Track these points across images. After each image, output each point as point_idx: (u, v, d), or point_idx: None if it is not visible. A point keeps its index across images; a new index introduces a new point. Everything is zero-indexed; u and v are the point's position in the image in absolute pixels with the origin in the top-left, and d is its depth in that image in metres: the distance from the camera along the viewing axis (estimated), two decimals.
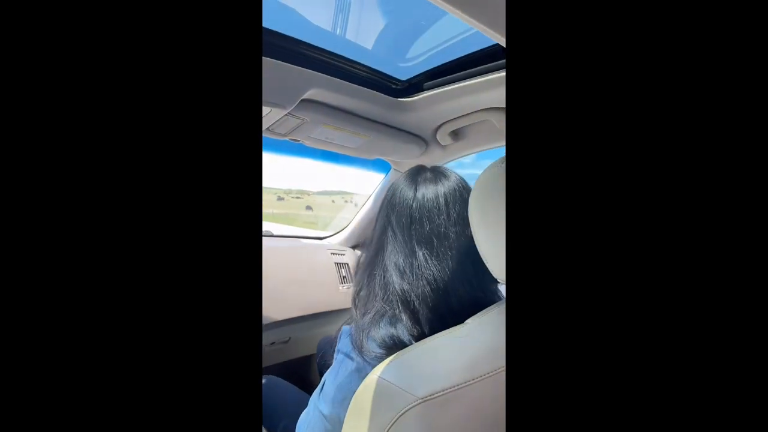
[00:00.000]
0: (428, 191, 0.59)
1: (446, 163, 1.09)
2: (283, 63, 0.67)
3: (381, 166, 1.27)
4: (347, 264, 1.37)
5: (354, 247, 1.46)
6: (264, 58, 0.64)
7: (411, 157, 1.07)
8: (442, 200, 0.58)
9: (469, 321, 0.51)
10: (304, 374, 1.42)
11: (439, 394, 0.40)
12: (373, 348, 0.54)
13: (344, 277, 1.34)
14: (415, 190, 0.59)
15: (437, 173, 0.61)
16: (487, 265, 0.51)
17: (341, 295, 1.29)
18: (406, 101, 0.85)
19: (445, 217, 0.57)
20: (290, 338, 1.18)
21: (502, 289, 0.58)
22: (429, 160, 1.07)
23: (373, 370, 0.48)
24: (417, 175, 0.61)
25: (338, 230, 1.48)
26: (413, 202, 0.58)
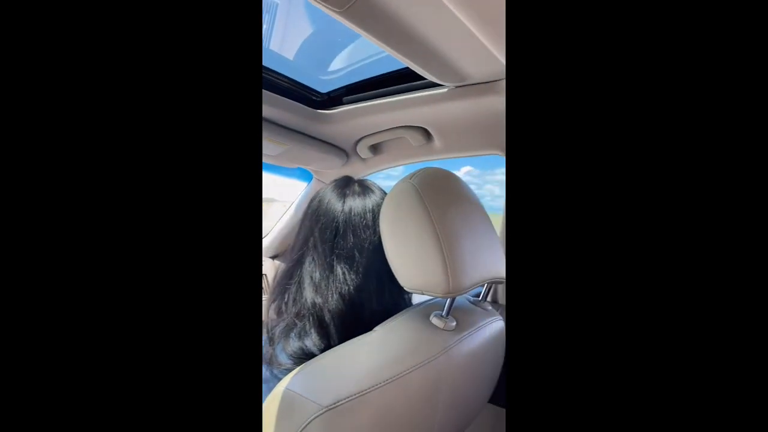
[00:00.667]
0: (356, 204, 0.59)
1: (368, 175, 1.12)
2: None
3: (303, 174, 1.26)
4: (265, 275, 1.33)
5: (274, 257, 1.42)
6: None
7: (333, 168, 1.08)
8: (369, 215, 0.59)
9: (377, 328, 0.53)
10: None
11: (344, 401, 0.41)
12: (282, 360, 0.53)
13: (262, 288, 1.29)
14: (344, 202, 0.59)
15: (365, 187, 0.62)
16: (396, 274, 0.54)
17: None
18: (325, 113, 0.86)
19: (371, 232, 0.58)
20: None
21: (418, 298, 0.62)
22: (350, 171, 1.10)
23: (279, 382, 0.47)
24: (345, 187, 0.62)
25: None
26: (340, 214, 0.58)
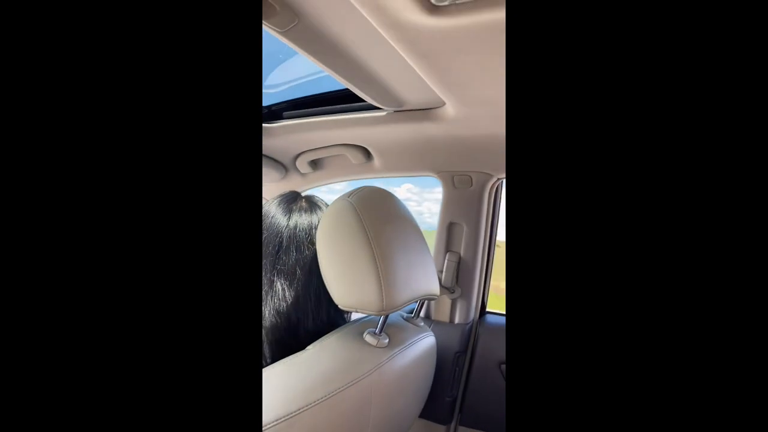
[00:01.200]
0: (302, 221, 0.59)
1: (307, 190, 1.11)
2: None
3: None
4: None
5: None
6: None
7: (271, 181, 1.06)
8: (313, 232, 0.58)
9: (309, 347, 0.53)
10: None
11: (272, 424, 0.40)
12: None
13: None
14: (289, 217, 0.58)
15: (312, 203, 0.62)
16: (330, 291, 0.54)
17: None
18: (266, 126, 0.85)
19: (314, 250, 0.57)
20: None
21: (356, 315, 0.62)
22: (289, 185, 1.08)
23: None
24: (292, 202, 0.61)
25: None
26: (285, 230, 0.57)
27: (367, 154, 0.91)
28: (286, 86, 0.85)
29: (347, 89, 0.80)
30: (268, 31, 0.46)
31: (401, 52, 0.48)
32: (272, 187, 1.11)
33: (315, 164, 1.01)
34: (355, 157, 0.92)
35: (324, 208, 0.63)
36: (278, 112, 0.84)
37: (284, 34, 0.47)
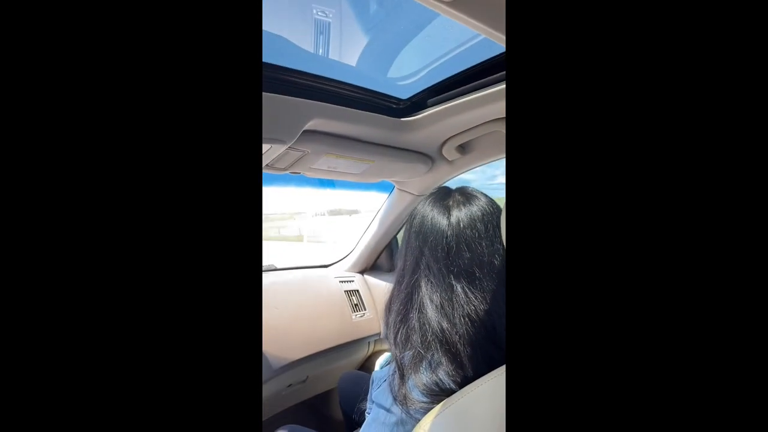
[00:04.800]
0: (463, 216, 0.53)
1: (454, 177, 1.05)
2: (279, 96, 0.63)
3: (380, 185, 1.22)
4: (357, 291, 1.32)
5: (362, 272, 1.41)
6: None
7: (417, 176, 1.03)
8: (480, 225, 0.52)
9: None
10: (325, 411, 1.35)
11: None
12: (417, 397, 0.48)
13: (356, 305, 1.28)
14: (449, 216, 0.53)
15: (467, 195, 0.56)
16: None
17: (354, 325, 1.23)
18: (409, 120, 0.81)
19: (488, 243, 0.51)
20: (307, 377, 1.11)
21: None
22: (436, 176, 1.03)
23: (418, 425, 0.42)
24: (446, 198, 0.56)
25: (343, 256, 1.42)
26: (448, 229, 0.52)
27: None
28: (424, 73, 0.79)
29: (488, 61, 0.70)
30: (432, 8, 0.40)
31: None
32: (417, 182, 1.08)
33: (463, 148, 0.93)
34: None
35: (481, 196, 0.56)
36: (420, 101, 0.79)
37: (451, 4, 0.40)
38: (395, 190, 1.18)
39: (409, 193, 1.13)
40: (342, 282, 1.30)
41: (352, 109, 0.72)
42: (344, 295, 1.27)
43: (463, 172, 1.02)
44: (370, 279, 1.38)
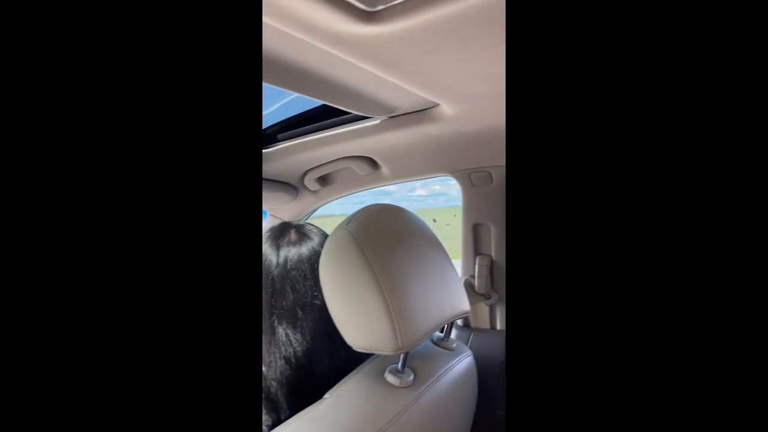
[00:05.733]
0: (291, 254, 0.53)
1: (320, 207, 1.07)
2: None
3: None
4: None
5: None
6: None
7: (283, 203, 1.03)
8: (306, 265, 0.53)
9: (327, 395, 0.48)
10: None
11: None
12: None
13: None
14: (278, 254, 0.53)
15: (302, 234, 0.56)
16: (342, 333, 0.49)
17: None
18: (265, 152, 0.81)
19: (312, 284, 0.52)
20: None
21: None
22: (303, 204, 1.05)
23: None
24: (280, 236, 0.56)
25: None
26: (275, 268, 0.53)
27: (373, 163, 0.85)
28: (276, 106, 0.81)
29: None
30: None
31: (362, 64, 0.42)
32: (287, 209, 1.08)
33: (324, 180, 0.96)
34: (361, 168, 0.86)
35: (315, 236, 0.57)
36: (271, 135, 0.80)
37: None
38: (268, 215, 1.16)
39: (280, 219, 1.13)
40: None
41: None
42: None
43: (328, 202, 1.05)
44: None
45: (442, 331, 0.66)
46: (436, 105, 0.60)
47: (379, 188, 1.06)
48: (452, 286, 0.57)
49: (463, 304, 0.59)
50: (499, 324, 0.84)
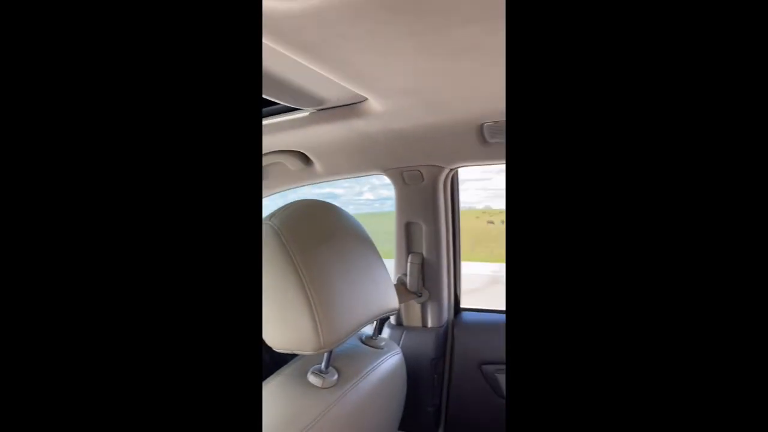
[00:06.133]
0: None
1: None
2: None
3: None
4: None
5: None
6: None
7: None
8: None
9: None
10: None
11: None
12: None
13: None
14: None
15: None
16: (263, 333, 0.46)
17: None
18: None
19: None
20: None
21: None
22: None
23: None
24: None
25: None
26: None
27: (305, 158, 0.83)
28: None
29: None
30: None
31: (281, 48, 0.40)
32: None
33: None
34: (292, 164, 0.83)
35: None
36: None
37: None
38: None
39: None
40: None
41: None
42: None
43: (265, 197, 1.00)
44: None
45: (380, 331, 0.66)
46: (365, 99, 0.60)
47: (328, 191, 1.04)
48: (381, 283, 0.57)
49: (392, 302, 0.59)
50: (430, 322, 0.85)
